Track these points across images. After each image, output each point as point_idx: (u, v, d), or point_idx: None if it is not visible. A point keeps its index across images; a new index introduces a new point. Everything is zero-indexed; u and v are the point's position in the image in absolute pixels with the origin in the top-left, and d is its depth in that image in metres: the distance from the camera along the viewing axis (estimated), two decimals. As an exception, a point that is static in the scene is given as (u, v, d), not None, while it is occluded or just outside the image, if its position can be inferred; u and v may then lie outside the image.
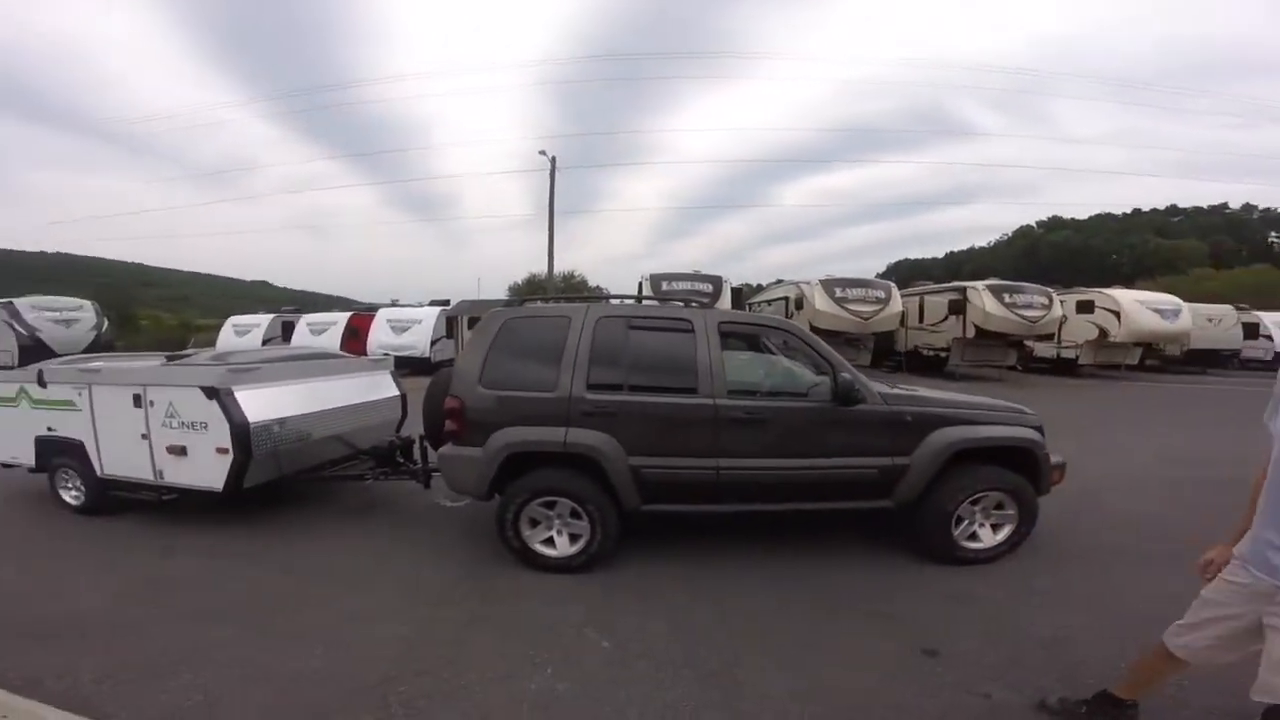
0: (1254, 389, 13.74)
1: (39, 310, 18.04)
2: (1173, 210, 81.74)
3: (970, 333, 16.87)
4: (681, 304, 4.52)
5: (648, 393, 3.92)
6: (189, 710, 2.59)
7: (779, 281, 24.83)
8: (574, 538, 3.95)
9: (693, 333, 4.04)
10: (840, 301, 17.01)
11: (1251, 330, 21.68)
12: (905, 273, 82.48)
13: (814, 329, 12.11)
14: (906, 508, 4.02)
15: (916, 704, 2.64)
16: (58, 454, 5.21)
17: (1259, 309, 22.55)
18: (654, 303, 5.82)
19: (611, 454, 3.82)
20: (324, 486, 5.73)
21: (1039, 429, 4.22)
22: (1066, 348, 18.84)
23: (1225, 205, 76.51)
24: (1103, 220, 78.84)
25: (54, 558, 4.40)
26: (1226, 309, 21.39)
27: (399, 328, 19.46)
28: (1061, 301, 17.59)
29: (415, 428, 5.30)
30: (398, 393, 6.37)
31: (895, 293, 17.99)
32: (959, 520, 3.98)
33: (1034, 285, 17.37)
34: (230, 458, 4.48)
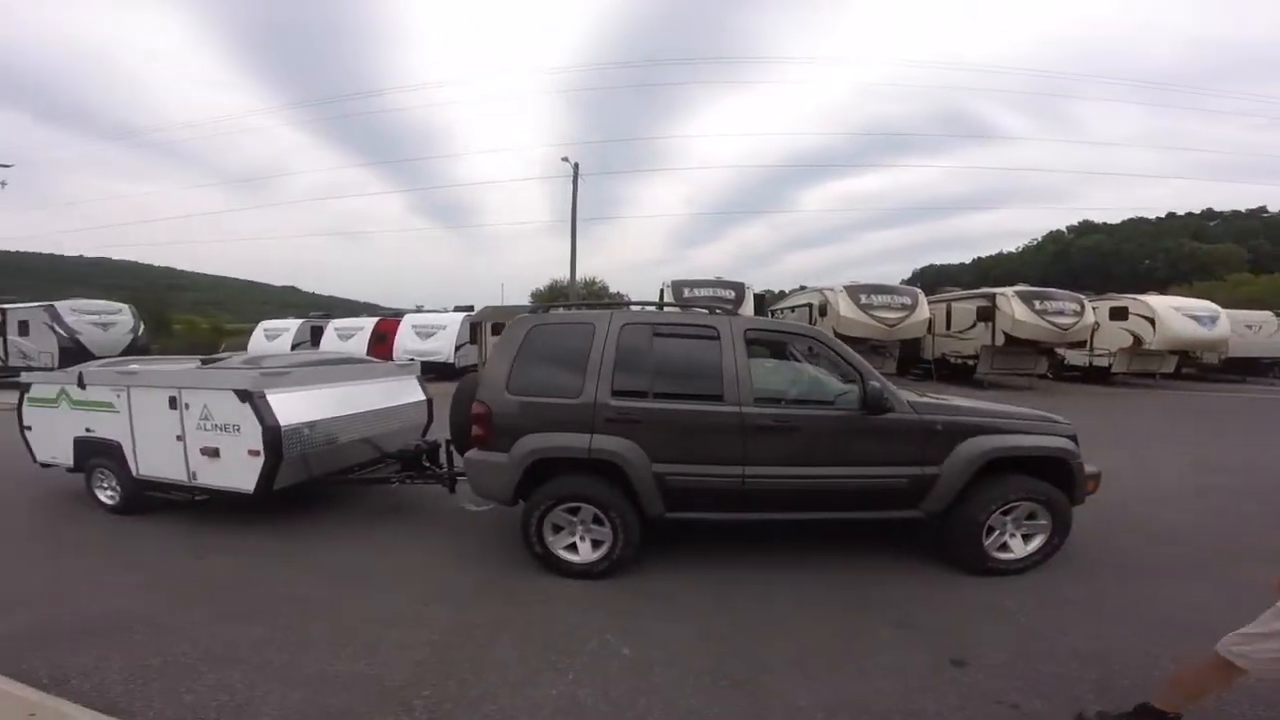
0: (1298, 399, 13.27)
1: (79, 313, 18.48)
2: (1209, 214, 79.46)
3: (999, 340, 16.56)
4: (706, 310, 4.50)
5: (673, 400, 3.92)
6: (215, 710, 2.62)
7: (802, 288, 24.64)
8: (596, 544, 3.95)
9: (718, 339, 4.02)
10: (865, 308, 16.76)
11: (1292, 338, 20.87)
12: (931, 278, 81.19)
13: (838, 336, 11.99)
14: (936, 517, 3.95)
15: (945, 715, 2.58)
16: (95, 454, 5.36)
17: (1300, 316, 21.71)
18: (676, 309, 5.81)
19: (635, 461, 3.81)
20: (351, 489, 5.82)
21: (1073, 438, 4.13)
22: (1099, 355, 18.30)
23: (1264, 209, 73.85)
24: (1136, 224, 77.01)
25: (85, 556, 4.51)
26: (1266, 315, 20.59)
27: (424, 333, 19.77)
28: (1094, 308, 17.17)
29: (440, 432, 5.35)
30: (423, 397, 6.44)
31: (922, 299, 17.69)
32: (990, 530, 3.90)
33: (1065, 291, 17.00)
34: (262, 460, 4.57)
